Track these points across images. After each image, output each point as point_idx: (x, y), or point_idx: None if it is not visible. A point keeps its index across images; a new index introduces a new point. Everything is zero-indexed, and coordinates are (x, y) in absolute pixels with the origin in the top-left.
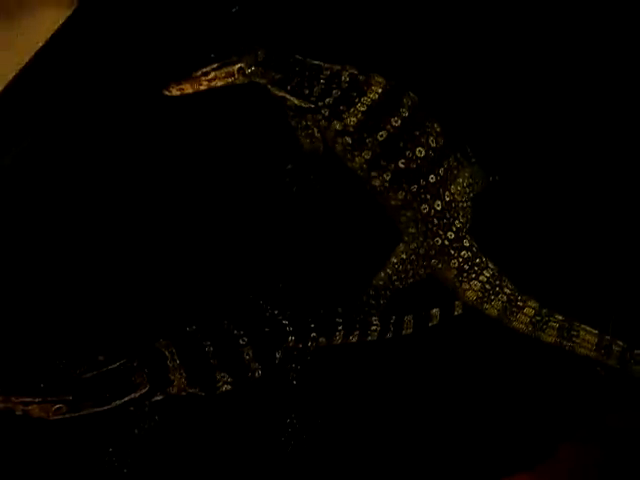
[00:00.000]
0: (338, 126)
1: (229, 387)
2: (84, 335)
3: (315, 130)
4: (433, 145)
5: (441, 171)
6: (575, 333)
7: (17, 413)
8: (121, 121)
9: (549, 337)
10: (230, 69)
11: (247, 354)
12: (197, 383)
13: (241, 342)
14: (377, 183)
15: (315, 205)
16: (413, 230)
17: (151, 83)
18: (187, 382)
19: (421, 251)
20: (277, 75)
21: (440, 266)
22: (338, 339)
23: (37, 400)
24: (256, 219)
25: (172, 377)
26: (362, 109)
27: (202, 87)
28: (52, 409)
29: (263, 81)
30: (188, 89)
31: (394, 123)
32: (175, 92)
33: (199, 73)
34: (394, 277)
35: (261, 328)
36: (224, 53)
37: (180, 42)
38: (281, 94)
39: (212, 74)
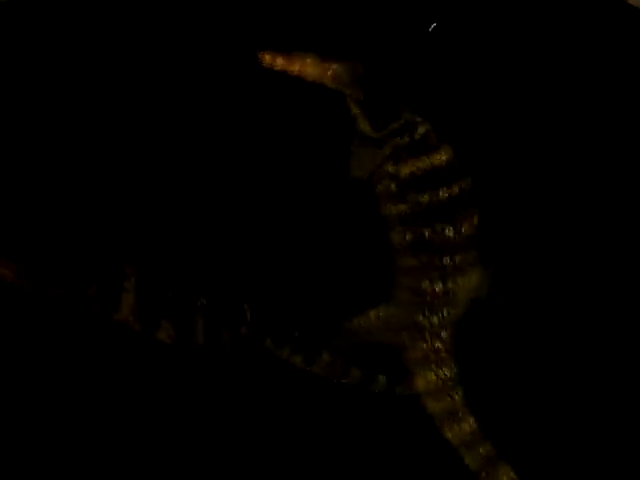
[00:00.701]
0: (391, 169)
1: (167, 340)
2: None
3: (369, 161)
4: (463, 232)
5: (457, 259)
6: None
7: None
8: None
9: (472, 461)
10: (326, 66)
11: (199, 318)
12: (141, 319)
13: (198, 304)
14: (397, 239)
15: (329, 227)
16: (404, 297)
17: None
18: (132, 313)
19: (399, 319)
20: (363, 95)
21: (408, 343)
22: (285, 354)
23: None
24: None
25: (123, 300)
26: (420, 165)
27: (292, 70)
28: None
29: (348, 92)
30: (279, 64)
31: (441, 194)
32: (266, 60)
33: (298, 55)
34: (362, 330)
35: (224, 303)
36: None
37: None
38: (357, 113)
39: (308, 62)
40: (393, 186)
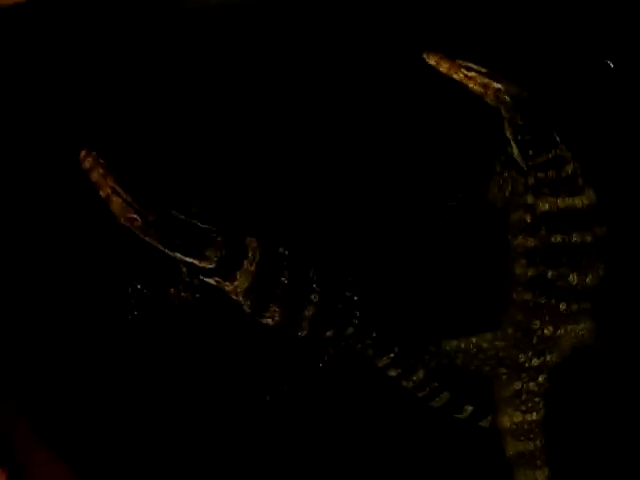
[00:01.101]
0: (530, 200)
1: (271, 322)
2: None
3: (509, 186)
4: (587, 281)
5: (573, 307)
6: None
7: (101, 193)
8: None
9: None
10: (491, 83)
11: (308, 310)
12: (252, 298)
13: (312, 297)
14: (519, 272)
15: (452, 244)
16: (510, 331)
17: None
18: (245, 290)
19: (500, 352)
20: (521, 121)
21: (503, 379)
22: (382, 363)
23: (125, 197)
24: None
25: (238, 275)
26: (560, 204)
27: (455, 76)
28: (128, 213)
29: (506, 113)
30: (443, 68)
31: (574, 238)
32: (432, 61)
33: (464, 63)
34: (461, 354)
35: (335, 300)
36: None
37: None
38: (510, 137)
39: (474, 73)
40: (528, 218)
